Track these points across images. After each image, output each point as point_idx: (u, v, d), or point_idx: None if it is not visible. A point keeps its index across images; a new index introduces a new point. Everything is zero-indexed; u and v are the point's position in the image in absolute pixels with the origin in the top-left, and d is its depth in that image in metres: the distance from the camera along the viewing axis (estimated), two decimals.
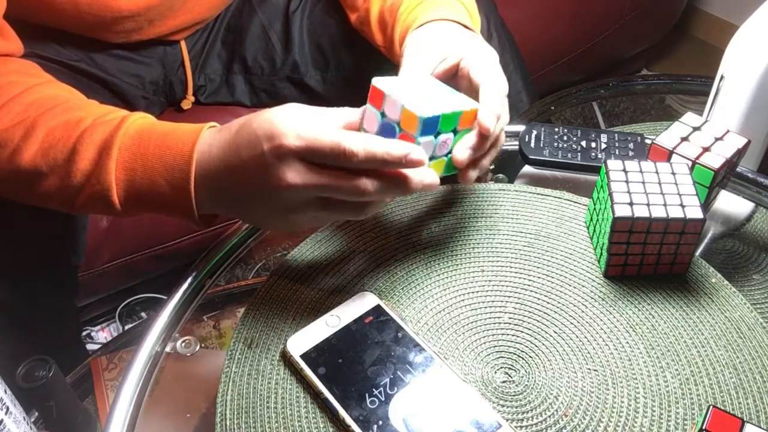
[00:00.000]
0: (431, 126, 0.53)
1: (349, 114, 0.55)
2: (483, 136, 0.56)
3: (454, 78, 0.63)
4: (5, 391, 0.49)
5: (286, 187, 0.51)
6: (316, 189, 0.51)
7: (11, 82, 0.60)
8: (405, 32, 0.70)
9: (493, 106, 0.56)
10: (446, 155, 0.56)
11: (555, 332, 0.57)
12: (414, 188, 0.52)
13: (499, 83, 0.59)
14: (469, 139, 0.56)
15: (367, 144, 0.50)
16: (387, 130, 0.54)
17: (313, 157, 0.50)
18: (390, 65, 0.81)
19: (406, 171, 0.52)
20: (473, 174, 0.58)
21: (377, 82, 0.54)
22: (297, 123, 0.51)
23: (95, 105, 0.60)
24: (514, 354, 0.56)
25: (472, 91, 0.59)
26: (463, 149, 0.56)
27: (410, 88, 0.54)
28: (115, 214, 0.58)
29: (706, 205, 0.65)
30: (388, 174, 0.52)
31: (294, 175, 0.50)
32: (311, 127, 0.50)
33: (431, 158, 0.55)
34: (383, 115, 0.54)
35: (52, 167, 0.57)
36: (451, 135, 0.55)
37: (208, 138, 0.55)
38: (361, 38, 0.86)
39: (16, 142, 0.57)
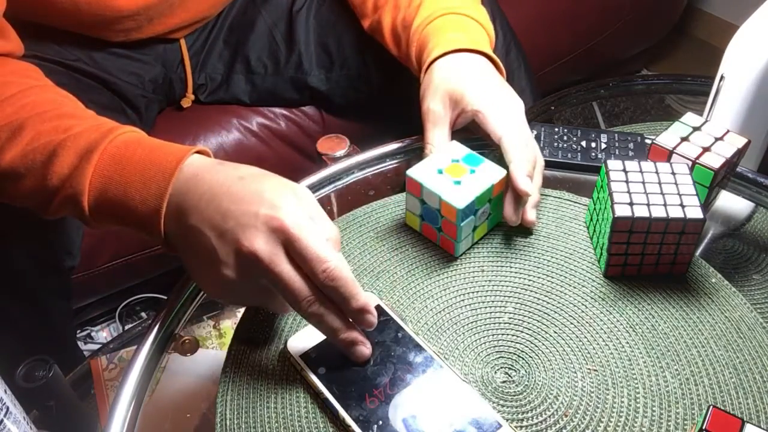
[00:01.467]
0: (469, 210, 0.60)
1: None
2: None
3: (473, 123, 0.67)
4: (5, 391, 0.49)
5: (252, 253, 0.48)
6: (273, 273, 0.49)
7: (7, 82, 0.59)
8: (420, 52, 0.73)
9: (522, 167, 0.61)
10: (486, 218, 0.63)
11: (555, 332, 0.57)
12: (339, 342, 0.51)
13: (521, 136, 0.64)
14: (511, 198, 0.62)
15: (342, 267, 0.48)
16: (430, 214, 0.62)
17: (291, 246, 0.48)
18: (395, 64, 0.81)
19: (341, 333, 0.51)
20: (532, 214, 0.63)
21: (412, 173, 0.61)
22: (302, 215, 0.49)
23: (91, 116, 0.59)
24: (514, 354, 0.56)
25: (491, 140, 0.65)
26: (512, 211, 0.62)
27: (442, 174, 0.61)
28: (84, 221, 0.57)
29: (706, 205, 0.65)
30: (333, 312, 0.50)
31: (266, 247, 0.48)
32: (310, 224, 0.49)
33: (474, 228, 0.62)
34: (423, 201, 0.62)
35: (30, 169, 0.56)
36: (487, 205, 0.62)
37: (196, 166, 0.53)
38: (367, 38, 0.86)
39: (2, 143, 0.56)
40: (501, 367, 0.56)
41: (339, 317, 0.50)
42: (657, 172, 0.61)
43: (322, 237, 0.49)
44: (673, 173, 0.61)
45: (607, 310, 0.59)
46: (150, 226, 0.54)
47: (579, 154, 0.74)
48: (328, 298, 0.50)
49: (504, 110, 0.65)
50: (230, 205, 0.50)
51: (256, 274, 0.49)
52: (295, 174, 0.61)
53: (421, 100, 0.69)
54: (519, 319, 0.58)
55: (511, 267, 0.63)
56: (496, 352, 0.56)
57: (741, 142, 0.66)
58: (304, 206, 0.50)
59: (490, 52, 0.71)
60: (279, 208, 0.49)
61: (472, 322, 0.58)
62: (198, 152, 0.55)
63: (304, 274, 0.49)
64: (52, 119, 0.57)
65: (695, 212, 0.57)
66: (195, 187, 0.52)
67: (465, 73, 0.68)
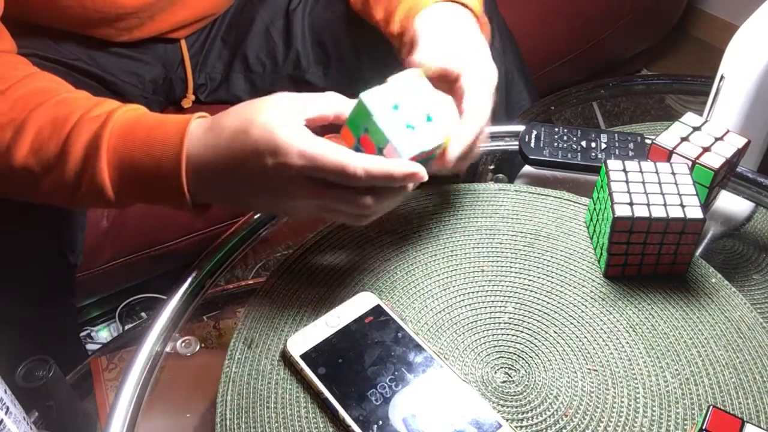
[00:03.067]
0: (379, 102, 0.52)
1: (337, 102, 0.55)
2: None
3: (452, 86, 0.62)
4: (5, 391, 0.49)
5: (291, 197, 0.53)
6: (318, 204, 0.54)
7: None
8: (410, 10, 0.68)
9: (460, 145, 0.55)
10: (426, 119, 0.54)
11: (555, 332, 0.57)
12: (408, 192, 0.55)
13: (480, 116, 0.58)
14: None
15: (368, 164, 0.51)
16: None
17: (317, 175, 0.51)
18: (392, 58, 0.80)
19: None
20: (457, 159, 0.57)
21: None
22: (299, 138, 0.51)
23: (82, 99, 0.60)
24: (514, 354, 0.56)
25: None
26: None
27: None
28: (113, 207, 0.60)
29: (706, 205, 0.65)
30: (388, 190, 0.53)
31: (298, 189, 0.52)
32: (314, 144, 0.51)
33: (408, 125, 0.53)
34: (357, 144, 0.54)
35: (45, 169, 0.57)
36: (414, 100, 0.54)
37: (199, 138, 0.54)
38: (363, 32, 0.85)
39: (7, 143, 0.56)
40: (501, 367, 0.56)
41: (393, 193, 0.54)
42: (657, 172, 0.61)
43: (326, 147, 0.51)
44: (673, 173, 0.61)
45: (607, 310, 0.59)
46: (176, 201, 0.56)
47: (579, 154, 0.74)
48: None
49: (483, 83, 0.61)
50: (244, 164, 0.52)
51: (308, 205, 0.54)
52: None
53: (404, 48, 0.65)
54: (519, 319, 0.58)
55: (511, 267, 0.63)
56: (496, 352, 0.56)
57: (741, 142, 0.66)
58: (293, 128, 0.51)
59: (474, 7, 0.67)
60: (278, 152, 0.51)
61: (472, 322, 0.58)
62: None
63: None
64: (49, 109, 0.57)
65: (695, 212, 0.57)
66: (203, 160, 0.54)
67: (454, 30, 0.64)
